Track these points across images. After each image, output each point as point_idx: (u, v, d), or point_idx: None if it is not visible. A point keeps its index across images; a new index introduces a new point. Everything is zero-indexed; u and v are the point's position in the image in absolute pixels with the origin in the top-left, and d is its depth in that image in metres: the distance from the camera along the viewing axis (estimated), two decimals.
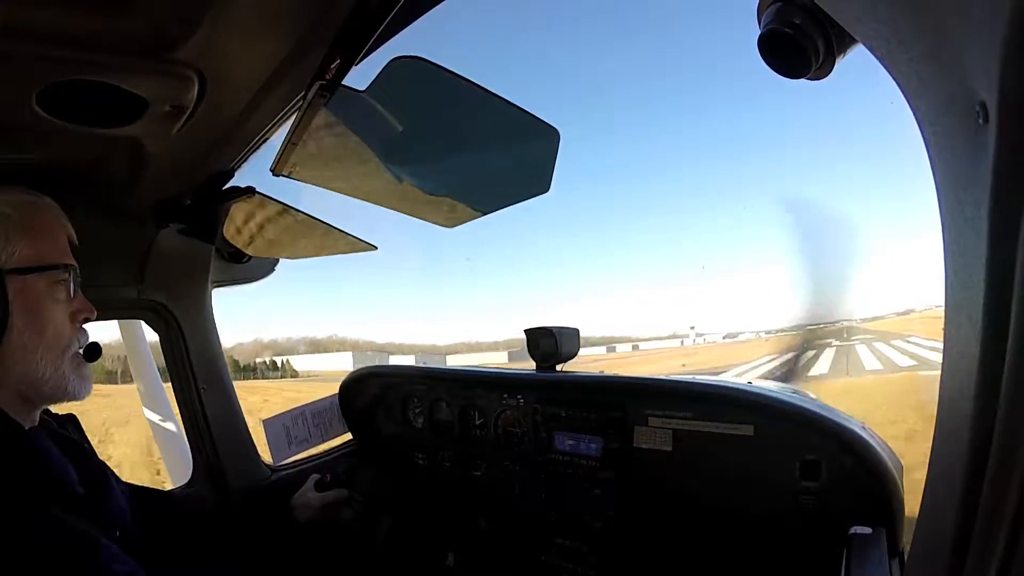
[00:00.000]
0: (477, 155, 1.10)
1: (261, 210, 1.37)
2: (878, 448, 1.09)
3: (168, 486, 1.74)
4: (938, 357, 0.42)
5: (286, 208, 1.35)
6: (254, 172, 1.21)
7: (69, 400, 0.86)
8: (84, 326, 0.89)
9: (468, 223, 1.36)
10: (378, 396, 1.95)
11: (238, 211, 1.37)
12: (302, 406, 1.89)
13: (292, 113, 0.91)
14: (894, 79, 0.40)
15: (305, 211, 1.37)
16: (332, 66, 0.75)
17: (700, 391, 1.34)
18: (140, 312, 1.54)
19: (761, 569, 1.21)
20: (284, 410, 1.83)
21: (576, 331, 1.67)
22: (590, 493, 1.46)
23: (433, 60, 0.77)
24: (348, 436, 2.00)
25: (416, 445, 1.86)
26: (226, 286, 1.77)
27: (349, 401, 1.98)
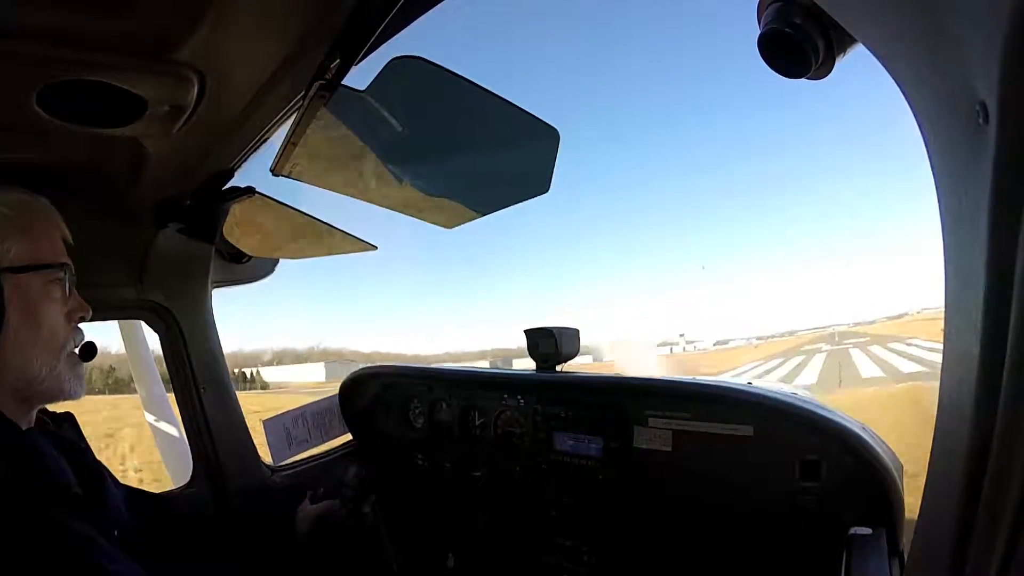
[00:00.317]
0: (477, 155, 1.10)
1: (261, 210, 1.37)
2: (878, 448, 1.09)
3: (170, 486, 1.74)
4: None
5: (286, 208, 1.35)
6: (254, 172, 1.21)
7: (65, 399, 0.86)
8: (79, 325, 0.88)
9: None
10: (378, 396, 1.95)
11: (238, 211, 1.36)
12: (302, 406, 1.89)
13: (292, 113, 0.91)
14: (894, 79, 0.40)
15: (305, 211, 1.37)
16: (332, 66, 0.75)
17: (700, 391, 1.34)
18: (140, 312, 1.54)
19: (761, 569, 1.21)
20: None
21: (576, 331, 1.68)
22: (590, 493, 1.46)
23: (433, 60, 0.77)
24: (348, 436, 2.00)
25: (416, 445, 1.86)
26: (226, 286, 1.77)
27: (349, 402, 1.98)
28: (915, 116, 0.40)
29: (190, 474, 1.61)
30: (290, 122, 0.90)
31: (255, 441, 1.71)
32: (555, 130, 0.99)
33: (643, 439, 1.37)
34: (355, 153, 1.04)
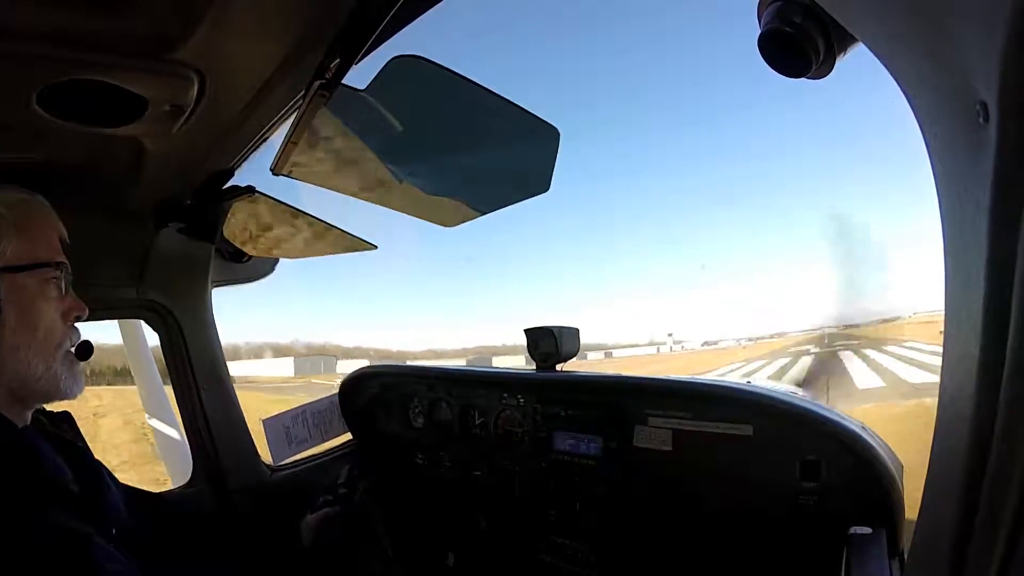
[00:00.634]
0: (477, 154, 1.10)
1: (261, 209, 1.37)
2: (878, 448, 1.09)
3: (169, 486, 1.74)
4: None
5: (286, 207, 1.35)
6: (254, 172, 1.21)
7: (62, 399, 0.86)
8: (76, 324, 0.88)
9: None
10: (378, 396, 1.95)
11: (238, 211, 1.36)
12: (302, 406, 1.89)
13: (292, 112, 0.91)
14: (894, 78, 0.40)
15: (305, 210, 1.37)
16: (332, 65, 0.75)
17: (700, 391, 1.34)
18: (140, 312, 1.54)
19: (761, 569, 1.21)
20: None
21: (576, 331, 1.68)
22: (590, 493, 1.46)
23: (433, 59, 0.77)
24: (348, 436, 2.00)
25: (416, 445, 1.86)
26: (226, 286, 1.77)
27: (349, 401, 1.98)
28: (915, 116, 0.40)
29: (190, 474, 1.61)
30: (290, 122, 0.90)
31: (255, 441, 1.71)
32: (555, 129, 0.99)
33: (643, 439, 1.37)
34: (355, 153, 1.04)
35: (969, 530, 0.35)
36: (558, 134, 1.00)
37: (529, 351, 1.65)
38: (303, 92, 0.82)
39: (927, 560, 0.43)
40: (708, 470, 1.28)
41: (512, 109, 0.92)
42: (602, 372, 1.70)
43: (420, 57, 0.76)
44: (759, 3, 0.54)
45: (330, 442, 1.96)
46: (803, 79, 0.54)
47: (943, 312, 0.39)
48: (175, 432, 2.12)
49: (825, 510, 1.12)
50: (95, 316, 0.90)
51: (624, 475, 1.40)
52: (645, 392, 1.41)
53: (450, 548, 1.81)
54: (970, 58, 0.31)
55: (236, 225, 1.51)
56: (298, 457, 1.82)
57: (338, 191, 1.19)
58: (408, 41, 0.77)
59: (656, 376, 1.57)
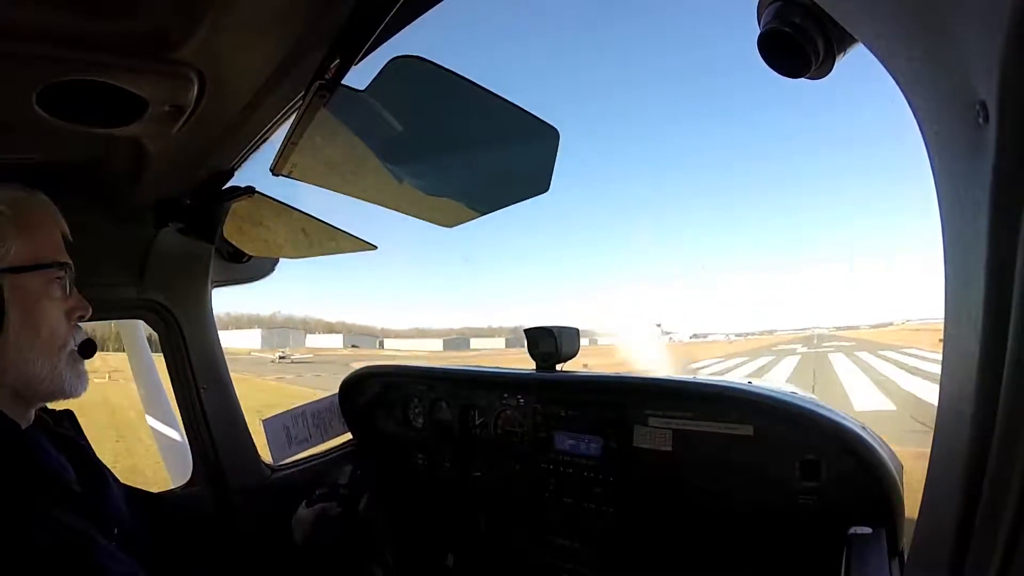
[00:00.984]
0: (477, 155, 1.10)
1: (261, 210, 1.37)
2: (878, 448, 1.09)
3: (169, 485, 1.74)
4: None
5: (286, 208, 1.35)
6: (254, 172, 1.21)
7: (65, 398, 0.86)
8: (79, 323, 0.88)
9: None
10: (378, 396, 1.95)
11: (238, 211, 1.36)
12: (302, 406, 1.89)
13: (292, 113, 0.91)
14: (894, 79, 0.40)
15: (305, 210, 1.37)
16: (332, 66, 0.75)
17: (700, 391, 1.34)
18: (140, 312, 1.54)
19: (761, 569, 1.21)
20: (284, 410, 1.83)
21: (576, 330, 1.68)
22: (590, 493, 1.46)
23: (433, 60, 0.77)
24: (348, 436, 2.00)
25: (416, 445, 1.86)
26: (226, 286, 1.77)
27: (349, 401, 1.98)
28: (915, 116, 0.40)
29: (190, 473, 1.61)
30: (290, 122, 0.90)
31: (255, 441, 1.71)
32: (555, 129, 0.99)
33: (643, 438, 1.37)
34: (355, 153, 1.04)
35: (969, 530, 0.35)
36: (558, 134, 1.00)
37: (529, 351, 1.65)
38: (303, 92, 0.82)
39: (927, 560, 0.43)
40: (708, 470, 1.28)
41: (512, 109, 0.92)
42: (602, 372, 1.70)
43: (420, 57, 0.76)
44: (759, 3, 0.54)
45: (330, 442, 1.96)
46: (803, 79, 0.54)
47: (941, 315, 0.39)
48: (175, 432, 2.12)
49: (825, 510, 1.12)
50: (94, 316, 0.90)
51: (624, 475, 1.40)
52: (645, 392, 1.41)
53: (450, 548, 1.80)
54: (970, 58, 0.32)
55: (236, 225, 1.51)
56: (298, 457, 1.82)
57: (338, 191, 1.19)
58: (408, 41, 0.77)
59: (656, 376, 1.57)
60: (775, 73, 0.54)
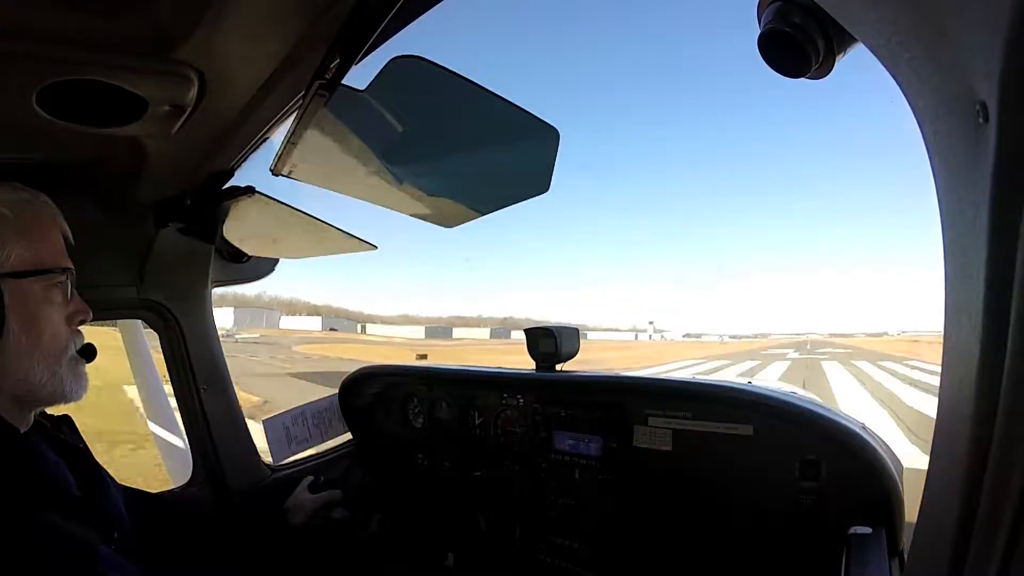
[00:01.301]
0: (477, 155, 1.10)
1: (261, 210, 1.37)
2: (878, 448, 1.09)
3: (169, 485, 1.74)
4: None
5: (286, 207, 1.35)
6: (254, 172, 1.21)
7: (66, 402, 0.85)
8: (80, 327, 0.87)
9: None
10: (378, 396, 1.95)
11: (238, 211, 1.36)
12: (302, 406, 1.89)
13: (292, 113, 0.91)
14: (894, 78, 0.40)
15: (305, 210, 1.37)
16: (332, 66, 0.75)
17: (700, 391, 1.34)
18: (140, 312, 1.54)
19: (761, 569, 1.21)
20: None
21: (576, 331, 1.68)
22: (590, 493, 1.46)
23: (433, 60, 0.77)
24: (348, 436, 2.00)
25: (416, 445, 1.86)
26: (226, 286, 1.77)
27: (349, 401, 1.98)
28: (915, 116, 0.40)
29: (190, 473, 1.61)
30: (290, 122, 0.90)
31: (255, 441, 1.71)
32: (555, 130, 0.99)
33: (643, 438, 1.37)
34: (355, 153, 1.04)
35: (969, 530, 0.35)
36: (558, 134, 1.00)
37: (529, 351, 1.65)
38: (303, 92, 0.82)
39: (927, 560, 0.43)
40: (708, 470, 1.28)
41: (512, 109, 0.92)
42: (602, 372, 1.70)
43: (420, 57, 0.76)
44: (759, 3, 0.54)
45: (330, 442, 1.96)
46: (803, 79, 0.54)
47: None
48: (175, 432, 2.12)
49: (825, 510, 1.12)
50: (94, 316, 0.90)
51: (624, 475, 1.40)
52: (645, 392, 1.41)
53: (450, 548, 1.80)
54: (970, 58, 0.32)
55: (236, 225, 1.51)
56: (298, 457, 1.82)
57: (339, 191, 1.19)
58: (408, 41, 0.77)
59: (656, 376, 1.57)
60: (775, 73, 0.54)
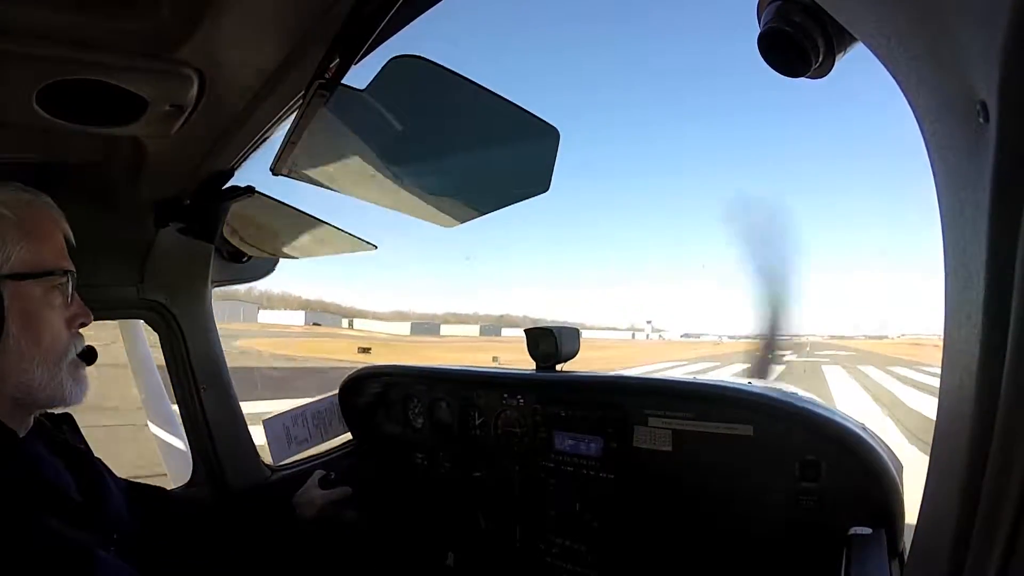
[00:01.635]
0: (477, 155, 1.10)
1: (261, 209, 1.37)
2: (878, 448, 1.09)
3: (169, 486, 1.74)
4: None
5: (286, 207, 1.35)
6: (254, 171, 1.20)
7: (66, 405, 0.84)
8: (80, 330, 0.86)
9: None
10: (378, 396, 1.95)
11: (238, 210, 1.36)
12: (302, 406, 1.89)
13: (292, 112, 0.91)
14: (894, 78, 0.40)
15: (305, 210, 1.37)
16: (332, 65, 0.74)
17: (700, 391, 1.34)
18: (140, 312, 1.54)
19: (761, 569, 1.21)
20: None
21: (576, 331, 1.68)
22: (590, 493, 1.46)
23: (433, 59, 0.77)
24: (348, 436, 2.00)
25: (416, 445, 1.86)
26: (226, 286, 1.77)
27: (349, 401, 1.98)
28: (915, 115, 0.40)
29: (190, 473, 1.61)
30: (290, 122, 0.90)
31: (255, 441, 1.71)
32: (555, 129, 0.99)
33: (643, 439, 1.37)
34: (355, 153, 1.04)
35: (969, 530, 0.35)
36: (558, 134, 1.00)
37: (529, 351, 1.65)
38: (303, 92, 0.82)
39: (927, 560, 0.43)
40: (708, 470, 1.28)
41: (512, 109, 0.92)
42: (603, 372, 1.70)
43: (420, 57, 0.76)
44: (759, 2, 0.54)
45: (330, 442, 1.96)
46: (803, 78, 0.54)
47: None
48: (175, 432, 2.12)
49: (825, 510, 1.12)
50: (94, 316, 0.90)
51: (624, 475, 1.40)
52: (645, 392, 1.41)
53: (450, 548, 1.80)
54: (970, 58, 0.31)
55: (236, 225, 1.51)
56: (298, 457, 1.82)
57: (338, 191, 1.19)
58: (408, 41, 0.77)
59: (656, 376, 1.57)
60: (776, 73, 0.54)
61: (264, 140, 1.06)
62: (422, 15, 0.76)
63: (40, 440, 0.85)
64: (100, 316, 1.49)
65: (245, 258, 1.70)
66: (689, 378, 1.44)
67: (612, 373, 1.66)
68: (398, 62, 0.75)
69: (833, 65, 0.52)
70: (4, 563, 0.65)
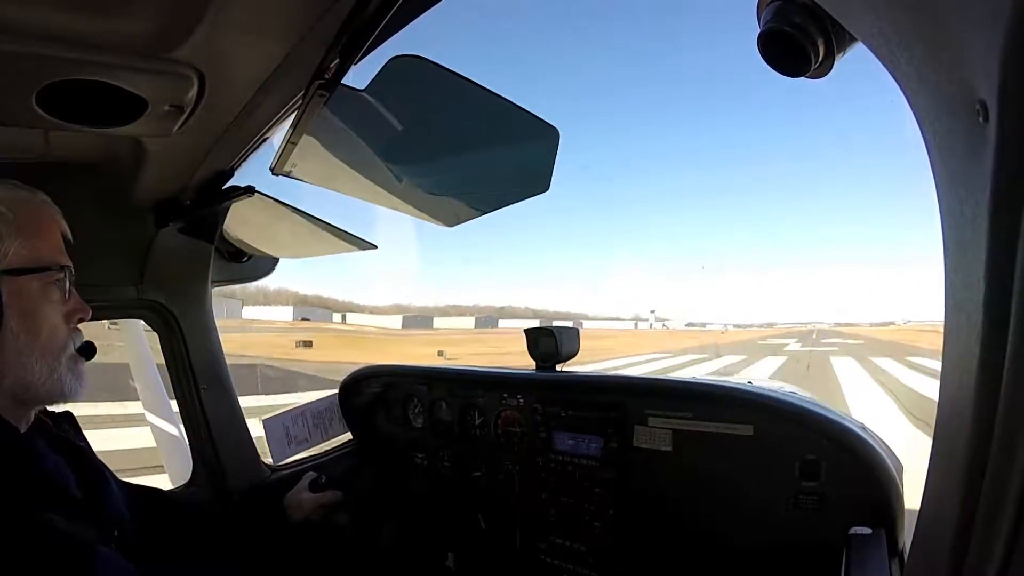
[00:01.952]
0: (477, 154, 1.10)
1: (261, 209, 1.37)
2: (878, 448, 1.09)
3: (169, 486, 1.74)
4: None
5: (286, 207, 1.35)
6: (254, 171, 1.21)
7: (65, 401, 0.85)
8: (79, 326, 0.87)
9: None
10: (378, 396, 1.96)
11: (238, 210, 1.37)
12: (302, 406, 1.89)
13: (292, 112, 0.91)
14: (894, 78, 0.40)
15: (305, 210, 1.37)
16: (331, 65, 0.75)
17: (700, 391, 1.34)
18: (140, 312, 1.54)
19: (760, 569, 1.21)
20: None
21: (576, 331, 1.68)
22: (590, 493, 1.46)
23: (433, 59, 0.77)
24: (348, 436, 2.00)
25: (416, 445, 1.86)
26: (226, 285, 1.77)
27: (349, 401, 1.98)
28: (915, 115, 0.40)
29: (190, 473, 1.61)
30: (290, 122, 0.90)
31: (255, 441, 1.71)
32: (555, 129, 0.99)
33: (643, 439, 1.37)
34: (355, 153, 1.04)
35: (969, 530, 0.35)
36: (558, 134, 1.00)
37: (529, 351, 1.65)
38: (303, 92, 0.82)
39: (927, 560, 0.43)
40: (708, 470, 1.28)
41: (512, 109, 0.92)
42: (603, 372, 1.70)
43: (420, 57, 0.76)
44: (759, 2, 0.54)
45: (330, 442, 1.96)
46: (803, 78, 0.54)
47: (942, 317, 0.39)
48: (175, 432, 2.12)
49: (825, 510, 1.12)
50: (94, 316, 0.90)
51: (624, 475, 1.40)
52: (645, 392, 1.41)
53: (450, 548, 1.81)
54: (970, 58, 0.31)
55: (236, 225, 1.51)
56: (298, 457, 1.82)
57: (338, 191, 1.19)
58: (408, 41, 0.77)
59: (656, 376, 1.57)
60: (776, 73, 0.54)
61: (264, 140, 1.06)
62: (422, 15, 0.76)
63: (41, 437, 0.85)
64: (100, 316, 1.49)
65: (245, 257, 1.70)
66: (689, 378, 1.44)
67: (612, 373, 1.66)
68: (398, 62, 0.75)
69: (833, 65, 0.52)
70: (4, 558, 0.65)
